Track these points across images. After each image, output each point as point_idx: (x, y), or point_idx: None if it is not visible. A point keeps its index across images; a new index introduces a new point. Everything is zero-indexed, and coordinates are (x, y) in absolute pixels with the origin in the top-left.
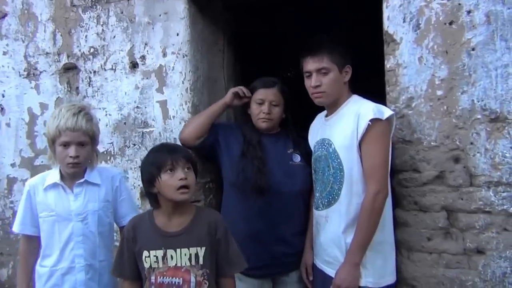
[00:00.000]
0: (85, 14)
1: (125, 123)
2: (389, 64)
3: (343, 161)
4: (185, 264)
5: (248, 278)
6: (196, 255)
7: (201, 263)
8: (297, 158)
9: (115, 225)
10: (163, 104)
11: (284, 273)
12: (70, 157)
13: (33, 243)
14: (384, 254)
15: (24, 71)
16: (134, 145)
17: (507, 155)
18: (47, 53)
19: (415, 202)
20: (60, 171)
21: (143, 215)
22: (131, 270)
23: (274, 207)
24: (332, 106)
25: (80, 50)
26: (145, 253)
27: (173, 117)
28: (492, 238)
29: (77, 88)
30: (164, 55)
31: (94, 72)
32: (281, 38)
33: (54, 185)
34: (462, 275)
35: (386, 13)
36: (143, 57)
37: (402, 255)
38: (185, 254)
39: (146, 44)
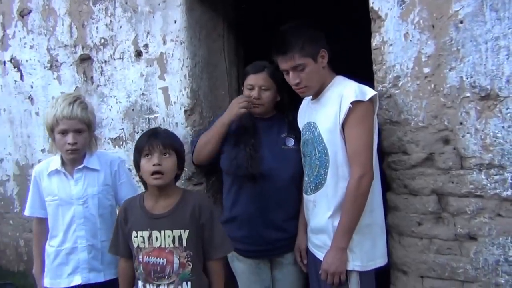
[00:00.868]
0: (95, 6)
1: (133, 110)
2: (375, 42)
3: (328, 145)
4: (169, 245)
5: (245, 259)
6: (180, 237)
7: (185, 245)
8: (291, 142)
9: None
10: (165, 90)
11: (279, 255)
12: (69, 144)
13: (44, 224)
14: (372, 236)
15: (48, 63)
16: (142, 130)
17: (499, 135)
18: (65, 46)
19: (405, 186)
20: (61, 157)
21: (135, 197)
22: (124, 248)
23: (267, 192)
24: (318, 90)
25: (92, 41)
26: (134, 233)
27: (174, 102)
28: (485, 223)
29: (92, 77)
30: (164, 42)
31: (105, 61)
32: (286, 18)
33: (56, 171)
34: (453, 262)
35: None
36: (146, 46)
37: (393, 239)
38: (169, 236)
39: (148, 32)
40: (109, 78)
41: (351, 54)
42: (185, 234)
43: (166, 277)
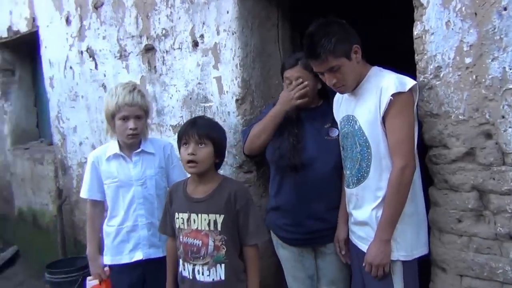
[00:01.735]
0: None
1: (190, 98)
2: (416, 31)
3: (369, 138)
4: (205, 228)
5: (289, 246)
6: (215, 221)
7: (219, 229)
8: (335, 133)
9: None
10: (219, 80)
11: (322, 245)
12: (130, 129)
13: (98, 207)
14: (415, 226)
15: (117, 53)
16: None
17: None
18: (132, 36)
19: (445, 181)
20: (118, 142)
21: (180, 182)
22: (171, 228)
23: (309, 183)
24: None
25: (155, 32)
26: (176, 214)
27: (227, 92)
28: None
29: (155, 67)
30: (218, 33)
31: (166, 51)
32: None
33: (115, 156)
34: (493, 262)
35: None
36: (202, 36)
37: (434, 236)
38: (205, 219)
39: (203, 23)
40: (170, 67)
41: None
42: (220, 218)
43: (201, 258)
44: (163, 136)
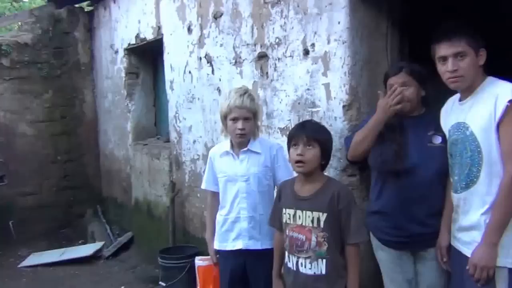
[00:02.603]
0: (273, 9)
1: (299, 103)
2: None
3: (481, 143)
4: (308, 224)
5: (388, 249)
6: (318, 219)
7: (322, 226)
8: (438, 140)
9: None
10: (327, 86)
11: (422, 249)
12: (238, 129)
13: (216, 197)
14: None
15: (233, 59)
16: None
17: None
18: (247, 44)
19: None
20: (230, 141)
21: (289, 180)
22: (279, 222)
23: (409, 188)
24: (467, 90)
25: (269, 41)
26: (283, 210)
27: (334, 98)
28: None
29: (267, 73)
30: (328, 42)
31: (278, 59)
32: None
33: (227, 153)
34: None
35: None
36: (313, 45)
37: None
38: (309, 216)
39: (315, 33)
40: (281, 74)
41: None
42: (322, 216)
43: (305, 251)
44: (271, 137)
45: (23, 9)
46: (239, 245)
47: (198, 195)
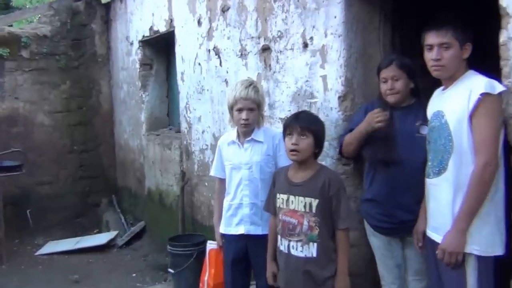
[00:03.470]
0: (275, 3)
1: (298, 94)
2: (502, 38)
3: (453, 132)
4: (301, 209)
5: (379, 235)
6: (310, 204)
7: (314, 211)
8: (425, 130)
9: None
10: (324, 78)
11: (409, 235)
12: (243, 119)
13: (223, 184)
14: (493, 225)
15: (239, 52)
16: None
17: None
18: (252, 37)
19: None
20: (237, 131)
21: (284, 167)
22: (273, 207)
23: (398, 177)
24: (449, 80)
25: (271, 34)
26: (277, 195)
27: (330, 89)
28: None
29: (270, 65)
30: (326, 35)
31: (280, 52)
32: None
33: (233, 142)
34: None
35: None
36: (311, 38)
37: None
38: (301, 202)
39: (313, 27)
40: (282, 66)
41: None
42: (314, 202)
43: (296, 235)
44: (273, 127)
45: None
46: (241, 230)
47: (206, 184)
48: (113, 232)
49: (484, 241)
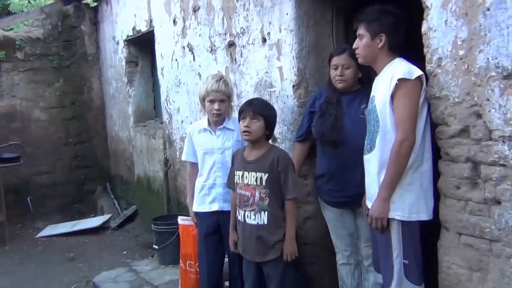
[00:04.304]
0: (237, 2)
1: (260, 85)
2: (423, 28)
3: (379, 114)
4: (253, 183)
5: (331, 207)
6: (261, 178)
7: (264, 184)
8: None
9: None
10: (280, 69)
11: (359, 207)
12: (215, 110)
13: (194, 167)
14: (415, 194)
15: (209, 47)
16: None
17: None
18: (219, 34)
19: (447, 153)
20: (207, 119)
21: (241, 148)
22: (234, 184)
23: (346, 155)
24: (377, 67)
25: (235, 30)
26: (235, 172)
27: (286, 79)
28: (506, 190)
29: (235, 59)
30: (280, 31)
31: (243, 46)
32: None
33: (205, 129)
34: (482, 222)
35: None
36: (268, 34)
37: (441, 200)
38: (253, 176)
39: (270, 23)
40: (246, 59)
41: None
42: (264, 176)
43: (250, 205)
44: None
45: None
46: (215, 207)
47: (187, 169)
48: (106, 215)
49: (406, 208)
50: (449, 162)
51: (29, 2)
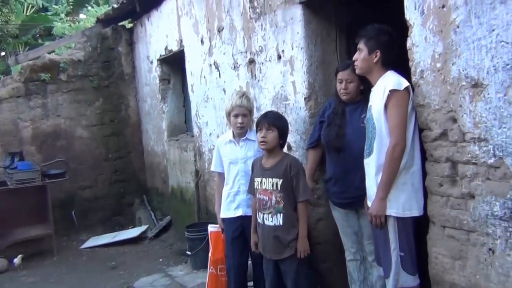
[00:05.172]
0: (256, 23)
1: (277, 98)
2: (408, 44)
3: (376, 122)
4: (270, 188)
5: (338, 208)
6: (276, 183)
7: (279, 189)
8: None
9: None
10: (293, 83)
11: (362, 207)
12: (239, 123)
13: (222, 177)
14: (407, 193)
15: (232, 65)
16: (282, 113)
17: (483, 115)
18: (241, 52)
19: (431, 155)
20: (232, 132)
21: (259, 157)
22: (254, 189)
23: (348, 160)
24: (373, 79)
25: (255, 49)
26: (255, 179)
27: (298, 92)
28: (478, 185)
29: (255, 75)
30: (292, 48)
31: (262, 63)
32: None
33: (230, 141)
34: (461, 215)
35: (405, 2)
36: (283, 51)
37: (428, 197)
38: (270, 182)
39: (284, 41)
40: (264, 75)
41: None
42: (279, 182)
43: (267, 208)
44: None
45: (80, 28)
46: (239, 212)
47: (215, 179)
48: (144, 226)
49: (400, 206)
50: (433, 163)
51: (70, 25)
